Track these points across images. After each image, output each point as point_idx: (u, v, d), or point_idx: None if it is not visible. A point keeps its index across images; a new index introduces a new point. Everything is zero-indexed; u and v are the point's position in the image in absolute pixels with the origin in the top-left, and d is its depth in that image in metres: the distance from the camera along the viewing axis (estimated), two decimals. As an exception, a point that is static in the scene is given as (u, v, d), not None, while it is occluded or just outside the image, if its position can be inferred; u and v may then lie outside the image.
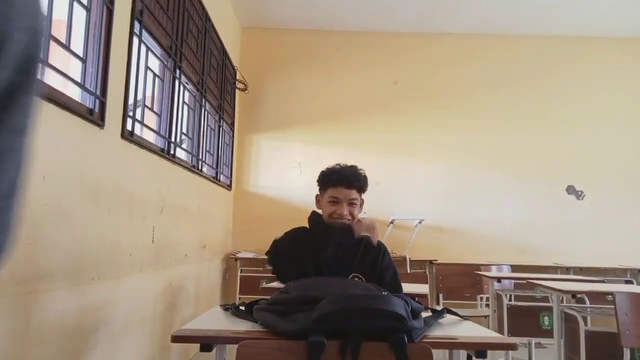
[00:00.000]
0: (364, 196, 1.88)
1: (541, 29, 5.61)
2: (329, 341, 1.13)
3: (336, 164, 1.92)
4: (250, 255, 5.22)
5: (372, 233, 1.86)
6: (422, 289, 2.65)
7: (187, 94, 3.82)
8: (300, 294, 1.33)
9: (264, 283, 4.28)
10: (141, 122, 2.81)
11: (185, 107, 3.80)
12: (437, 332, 1.35)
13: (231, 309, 1.56)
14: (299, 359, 1.12)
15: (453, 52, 5.78)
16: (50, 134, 1.83)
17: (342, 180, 1.83)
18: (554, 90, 5.71)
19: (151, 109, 3.06)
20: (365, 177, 1.88)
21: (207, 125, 4.42)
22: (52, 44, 1.90)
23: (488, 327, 3.10)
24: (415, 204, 5.43)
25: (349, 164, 1.92)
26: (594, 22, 5.42)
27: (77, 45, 2.12)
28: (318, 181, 1.93)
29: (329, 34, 5.77)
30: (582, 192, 5.57)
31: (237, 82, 5.45)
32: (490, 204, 5.52)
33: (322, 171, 1.92)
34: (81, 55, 2.13)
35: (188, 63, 3.66)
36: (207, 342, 1.23)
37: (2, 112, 0.42)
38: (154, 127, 3.08)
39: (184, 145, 3.76)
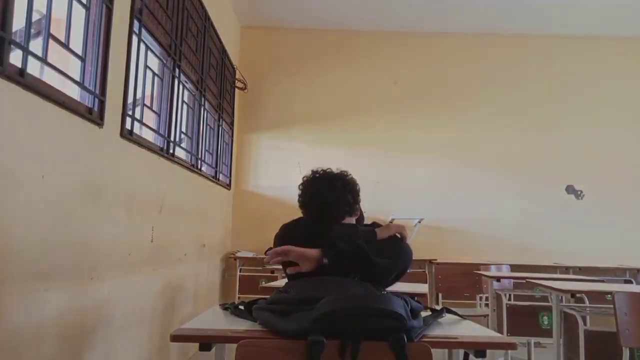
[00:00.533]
0: (362, 193, 1.70)
1: (541, 29, 5.61)
2: (329, 341, 1.12)
3: (315, 177, 1.66)
4: (250, 254, 5.22)
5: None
6: (422, 288, 2.65)
7: (186, 93, 3.82)
8: (300, 293, 1.33)
9: (263, 282, 4.28)
10: (140, 121, 2.81)
11: (185, 106, 3.79)
12: (437, 331, 1.34)
13: (230, 308, 1.56)
14: (298, 358, 1.12)
15: (453, 52, 5.78)
16: (49, 133, 1.83)
17: (324, 221, 1.58)
18: (554, 90, 5.71)
19: (150, 108, 3.06)
20: (353, 196, 1.63)
21: (207, 124, 4.42)
22: (51, 43, 1.89)
23: (487, 327, 3.09)
24: (415, 203, 5.44)
25: (334, 169, 1.66)
26: (595, 21, 5.41)
27: (76, 44, 2.11)
28: (298, 202, 1.67)
29: (329, 33, 5.77)
30: (581, 191, 5.57)
31: (236, 81, 5.45)
32: (490, 203, 5.52)
33: (300, 194, 1.67)
34: (80, 54, 2.13)
35: (187, 62, 3.66)
36: (206, 342, 1.23)
37: None
38: (153, 126, 3.08)
39: (183, 145, 3.75)
